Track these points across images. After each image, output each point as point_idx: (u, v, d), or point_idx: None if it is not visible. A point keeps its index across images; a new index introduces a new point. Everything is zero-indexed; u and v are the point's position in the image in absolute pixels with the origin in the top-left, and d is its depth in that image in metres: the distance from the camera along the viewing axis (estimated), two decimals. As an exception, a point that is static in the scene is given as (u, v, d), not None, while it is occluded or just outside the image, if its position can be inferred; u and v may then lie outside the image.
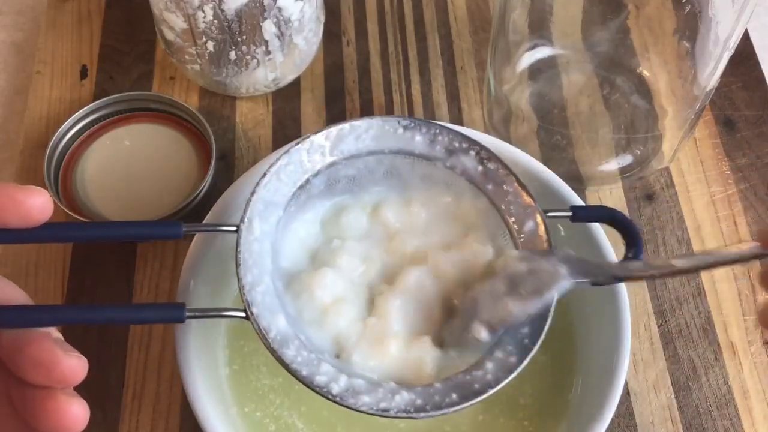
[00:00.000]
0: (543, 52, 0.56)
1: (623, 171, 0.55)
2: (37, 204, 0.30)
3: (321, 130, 0.39)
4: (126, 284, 0.51)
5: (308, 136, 0.39)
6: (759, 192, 0.55)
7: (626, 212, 0.54)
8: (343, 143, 0.39)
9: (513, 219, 0.39)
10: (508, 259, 0.38)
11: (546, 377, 0.44)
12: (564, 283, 0.35)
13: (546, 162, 0.47)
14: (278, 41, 0.54)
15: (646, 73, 0.56)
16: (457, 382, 0.35)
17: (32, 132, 0.57)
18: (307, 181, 0.39)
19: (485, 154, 0.40)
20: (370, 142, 0.40)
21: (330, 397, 0.34)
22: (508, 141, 0.52)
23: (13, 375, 0.30)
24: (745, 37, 0.61)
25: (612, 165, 0.55)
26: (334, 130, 0.39)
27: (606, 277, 0.36)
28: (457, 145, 0.40)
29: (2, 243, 0.32)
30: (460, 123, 0.58)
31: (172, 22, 0.53)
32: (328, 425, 0.43)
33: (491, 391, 0.35)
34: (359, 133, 0.40)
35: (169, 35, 0.54)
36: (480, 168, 0.40)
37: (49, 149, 0.53)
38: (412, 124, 0.40)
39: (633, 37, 0.54)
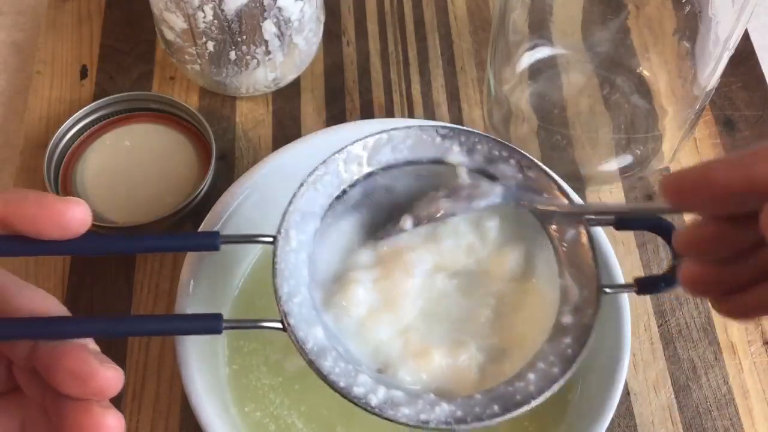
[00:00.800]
0: (543, 52, 0.56)
1: (623, 171, 0.55)
2: (77, 215, 0.30)
3: (359, 140, 0.39)
4: (126, 284, 0.51)
5: (345, 147, 0.39)
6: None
7: (626, 212, 0.54)
8: (380, 153, 0.39)
9: (554, 227, 0.38)
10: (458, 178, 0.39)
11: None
12: (494, 198, 0.37)
13: (546, 162, 0.47)
14: (278, 41, 0.54)
15: (646, 73, 0.56)
16: (498, 393, 0.35)
17: (32, 132, 0.57)
18: (344, 191, 0.39)
19: (526, 162, 0.39)
20: (407, 152, 0.39)
21: (369, 408, 0.33)
22: (508, 141, 0.51)
23: (49, 387, 0.30)
24: (745, 37, 0.61)
25: (612, 165, 0.55)
26: (371, 140, 0.39)
27: (530, 206, 0.38)
28: (497, 153, 0.39)
29: (40, 254, 0.32)
30: (460, 123, 0.58)
31: (172, 22, 0.53)
32: (327, 425, 0.43)
33: (534, 403, 0.34)
34: (396, 143, 0.39)
35: (169, 35, 0.54)
36: (521, 176, 0.39)
37: (49, 149, 0.53)
38: (451, 133, 0.39)
39: (633, 37, 0.54)
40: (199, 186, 0.52)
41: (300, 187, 0.38)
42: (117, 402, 0.47)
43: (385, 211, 0.42)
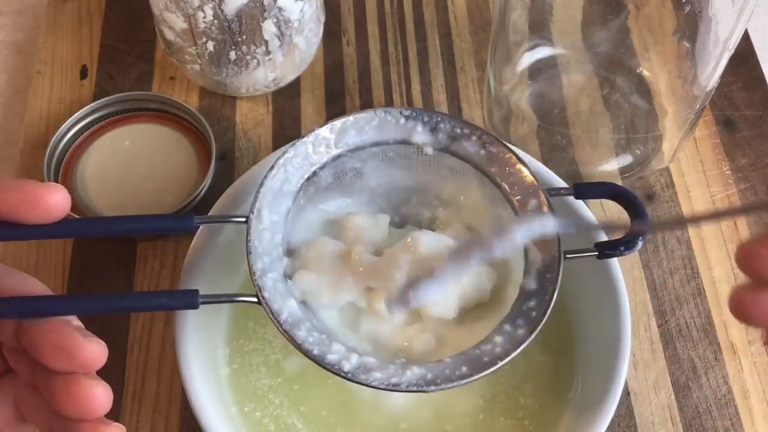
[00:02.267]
0: (543, 52, 0.56)
1: (623, 171, 0.55)
2: (56, 200, 0.31)
3: (325, 123, 0.40)
4: (126, 284, 0.51)
5: (313, 129, 0.40)
6: (759, 192, 0.55)
7: (626, 213, 0.54)
8: (347, 135, 0.40)
9: (517, 198, 0.40)
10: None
11: (546, 377, 0.44)
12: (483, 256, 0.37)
13: (546, 162, 0.47)
14: (278, 41, 0.54)
15: (646, 73, 0.56)
16: (466, 356, 0.36)
17: (32, 132, 0.57)
18: (314, 173, 0.40)
19: (487, 139, 0.41)
20: (373, 133, 0.41)
21: (342, 374, 0.35)
22: (508, 141, 0.52)
23: (38, 364, 0.31)
24: (745, 37, 0.61)
25: (612, 165, 0.55)
26: (338, 122, 0.40)
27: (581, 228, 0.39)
28: (459, 131, 0.41)
29: (20, 239, 0.33)
30: (460, 123, 0.58)
31: (172, 22, 0.53)
32: (327, 425, 0.43)
33: (501, 363, 0.35)
34: (362, 125, 0.41)
35: (169, 35, 0.54)
36: (483, 152, 0.41)
37: (49, 149, 0.53)
38: (414, 114, 0.41)
39: (633, 37, 0.54)
40: (199, 186, 0.52)
41: (271, 169, 0.39)
42: (117, 401, 0.47)
43: (359, 194, 0.43)
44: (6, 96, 0.62)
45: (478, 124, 0.57)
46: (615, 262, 0.43)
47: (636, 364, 0.49)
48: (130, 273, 0.51)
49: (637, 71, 0.56)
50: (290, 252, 0.40)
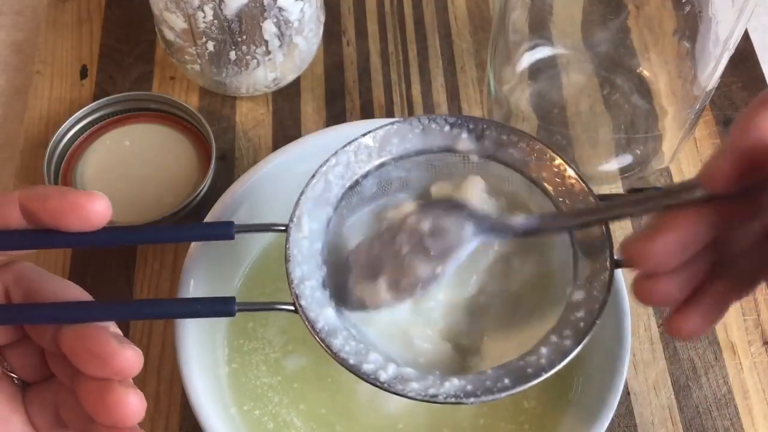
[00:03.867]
0: (543, 52, 0.56)
1: (623, 171, 0.55)
2: (97, 208, 0.31)
3: (369, 131, 0.40)
4: (126, 284, 0.51)
5: (356, 138, 0.39)
6: (759, 192, 0.55)
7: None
8: (390, 144, 0.40)
9: (565, 203, 0.38)
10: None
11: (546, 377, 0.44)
12: (471, 243, 0.36)
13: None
14: (278, 41, 0.54)
15: (646, 73, 0.56)
16: (509, 367, 0.35)
17: (32, 132, 0.57)
18: (357, 182, 0.39)
19: (535, 145, 0.39)
20: (417, 141, 0.40)
21: (378, 384, 0.34)
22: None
23: (77, 369, 0.31)
24: (745, 37, 0.61)
25: (612, 165, 0.55)
26: (381, 131, 0.40)
27: (513, 230, 0.37)
28: (505, 138, 0.40)
29: (60, 247, 0.33)
30: (460, 123, 0.58)
31: (172, 22, 0.53)
32: (326, 424, 0.43)
33: (545, 375, 0.34)
34: (405, 133, 0.40)
35: (169, 35, 0.54)
36: (531, 159, 0.39)
37: (49, 149, 0.53)
38: (459, 121, 0.40)
39: (633, 37, 0.54)
40: (199, 186, 0.52)
41: (312, 178, 0.39)
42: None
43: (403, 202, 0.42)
44: (6, 96, 0.62)
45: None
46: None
47: (636, 364, 0.49)
48: (130, 272, 0.51)
49: (637, 71, 0.56)
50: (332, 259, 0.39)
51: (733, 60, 0.49)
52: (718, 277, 0.32)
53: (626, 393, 0.48)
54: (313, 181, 0.38)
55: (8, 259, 0.33)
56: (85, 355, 0.31)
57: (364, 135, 0.39)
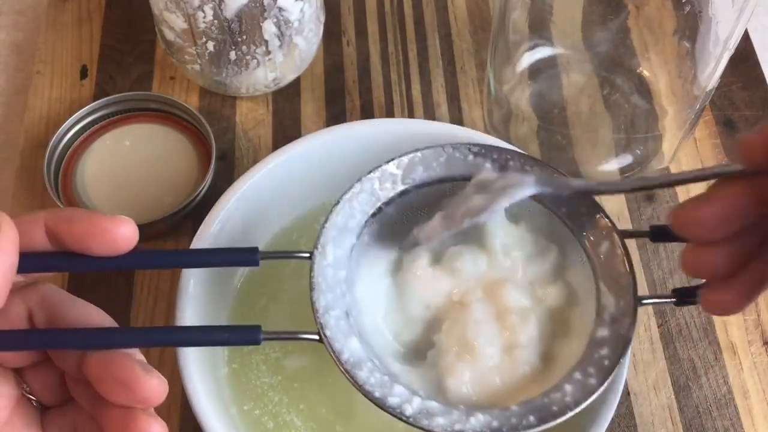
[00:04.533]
0: (543, 52, 0.56)
1: (623, 171, 0.55)
2: (123, 233, 0.31)
3: (392, 159, 0.40)
4: (126, 284, 0.51)
5: (380, 165, 0.39)
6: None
7: (626, 212, 0.54)
8: (414, 172, 0.40)
9: (589, 239, 0.38)
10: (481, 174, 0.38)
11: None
12: (528, 188, 0.36)
13: (546, 162, 0.47)
14: (278, 41, 0.54)
15: (646, 73, 0.56)
16: (535, 404, 0.35)
17: (32, 132, 0.57)
18: (380, 209, 0.39)
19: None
20: (440, 170, 0.40)
21: (403, 418, 0.34)
22: (508, 141, 0.52)
23: (98, 395, 0.31)
24: (745, 37, 0.61)
25: (612, 165, 0.55)
26: (405, 158, 0.40)
27: (568, 188, 0.37)
28: (529, 169, 0.39)
29: (86, 270, 0.33)
30: (460, 123, 0.58)
31: (172, 22, 0.53)
32: (326, 423, 0.43)
33: (570, 413, 0.34)
34: (430, 161, 0.40)
35: (169, 35, 0.54)
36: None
37: (49, 149, 0.53)
38: (483, 151, 0.40)
39: (633, 37, 0.54)
40: (199, 186, 0.52)
41: (336, 204, 0.38)
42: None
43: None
44: (6, 96, 0.62)
45: (479, 125, 0.58)
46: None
47: (636, 364, 0.49)
48: (130, 273, 0.51)
49: (637, 71, 0.56)
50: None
51: (733, 60, 0.49)
52: (763, 255, 0.32)
53: (626, 393, 0.48)
54: (337, 208, 0.38)
55: (31, 281, 0.33)
56: (110, 382, 0.30)
57: (387, 162, 0.39)
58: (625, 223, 0.54)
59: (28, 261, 0.31)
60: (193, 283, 0.42)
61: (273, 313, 0.46)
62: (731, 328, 0.50)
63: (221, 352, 0.45)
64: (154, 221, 0.50)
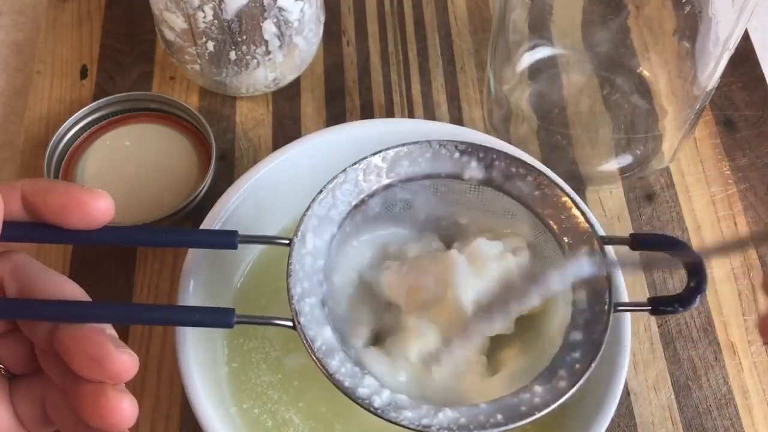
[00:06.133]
0: (543, 52, 0.56)
1: (623, 171, 0.55)
2: (100, 206, 0.31)
3: (378, 152, 0.39)
4: (126, 283, 0.51)
5: (365, 157, 0.39)
6: (759, 192, 0.55)
7: (626, 212, 0.54)
8: (399, 165, 0.40)
9: (568, 243, 0.38)
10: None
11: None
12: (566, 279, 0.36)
13: (546, 162, 0.47)
14: (278, 41, 0.54)
15: (646, 73, 0.56)
16: (503, 403, 0.35)
17: (32, 132, 0.57)
18: (363, 201, 0.39)
19: (543, 180, 0.39)
20: (426, 165, 0.40)
21: (372, 409, 0.34)
22: (508, 141, 0.52)
23: (68, 369, 0.31)
24: (745, 37, 0.61)
25: (612, 165, 0.55)
26: (391, 151, 0.40)
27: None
28: (514, 170, 0.40)
29: (59, 242, 0.33)
30: (460, 123, 0.58)
31: (172, 22, 0.53)
32: (325, 421, 0.43)
33: (537, 415, 0.34)
34: (415, 156, 0.40)
35: (169, 35, 0.54)
36: (537, 193, 0.39)
37: (49, 149, 0.53)
38: (470, 149, 0.40)
39: (633, 37, 0.54)
40: (199, 186, 0.52)
41: (319, 193, 0.38)
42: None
43: (405, 226, 0.42)
44: (6, 96, 0.62)
45: (479, 125, 0.58)
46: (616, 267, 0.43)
47: (636, 364, 0.49)
48: (130, 272, 0.51)
49: (637, 71, 0.56)
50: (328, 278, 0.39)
51: (733, 60, 0.49)
52: None
53: (626, 393, 0.48)
54: (320, 197, 0.38)
55: (4, 249, 0.32)
56: (81, 357, 0.30)
57: (374, 154, 0.39)
58: (625, 223, 0.54)
59: (5, 230, 0.31)
60: (193, 283, 0.42)
61: (273, 313, 0.46)
62: (731, 328, 0.50)
63: (221, 351, 0.45)
64: (154, 221, 0.50)
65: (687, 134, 0.54)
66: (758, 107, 0.59)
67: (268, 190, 0.46)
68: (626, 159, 0.55)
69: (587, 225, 0.38)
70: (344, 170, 0.39)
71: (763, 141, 0.57)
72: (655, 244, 0.39)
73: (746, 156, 0.57)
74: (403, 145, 0.40)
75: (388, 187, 0.40)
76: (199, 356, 0.41)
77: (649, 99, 0.56)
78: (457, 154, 0.40)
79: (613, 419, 0.39)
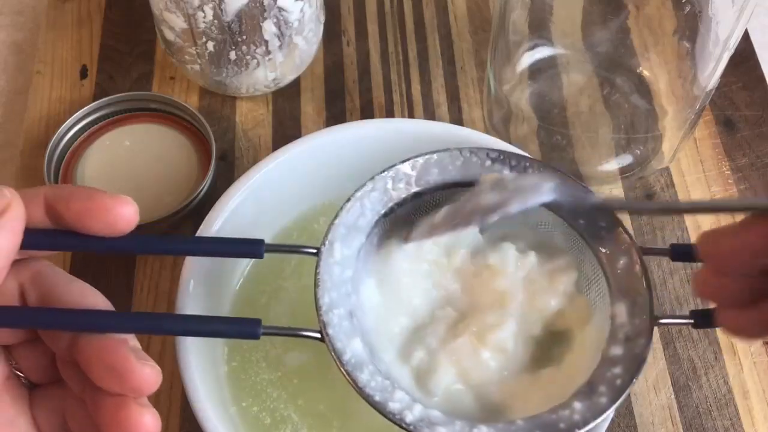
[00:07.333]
0: (543, 52, 0.56)
1: (623, 171, 0.55)
2: (124, 213, 0.30)
3: (407, 159, 0.39)
4: (126, 284, 0.51)
5: (394, 165, 0.38)
6: (759, 192, 0.55)
7: (626, 212, 0.54)
8: (429, 174, 0.39)
9: (606, 254, 0.37)
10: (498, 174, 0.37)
11: None
12: (546, 195, 0.35)
13: (546, 162, 0.47)
14: (278, 41, 0.54)
15: (646, 73, 0.56)
16: (541, 420, 0.34)
17: (32, 132, 0.57)
18: (391, 209, 0.38)
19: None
20: (456, 174, 0.39)
21: (404, 425, 0.33)
22: (508, 141, 0.52)
23: (89, 380, 0.30)
24: (745, 37, 0.61)
25: (612, 165, 0.55)
26: (420, 159, 0.39)
27: (587, 202, 0.36)
28: (549, 176, 0.38)
29: (82, 250, 0.32)
30: (460, 123, 0.58)
31: (172, 22, 0.53)
32: (323, 419, 0.43)
33: None
34: (445, 164, 0.39)
35: (169, 35, 0.54)
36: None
37: (49, 149, 0.53)
38: (501, 157, 0.39)
39: (633, 37, 0.54)
40: (199, 186, 0.52)
41: (347, 202, 0.37)
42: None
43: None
44: (6, 96, 0.62)
45: (479, 125, 0.58)
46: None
47: (636, 364, 0.49)
48: (130, 273, 0.51)
49: (637, 71, 0.56)
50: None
51: (733, 60, 0.49)
52: None
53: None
54: (348, 205, 0.37)
55: (26, 257, 0.32)
56: (102, 369, 0.29)
57: (402, 162, 0.38)
58: (625, 222, 0.53)
59: (27, 238, 0.30)
60: (194, 283, 0.42)
61: (274, 312, 0.46)
62: (731, 328, 0.50)
63: (221, 350, 0.45)
64: (154, 221, 0.50)
65: (687, 134, 0.54)
66: (758, 107, 0.59)
67: (268, 190, 0.46)
68: (626, 159, 0.55)
69: (626, 235, 0.37)
70: (372, 178, 0.38)
71: (763, 141, 0.57)
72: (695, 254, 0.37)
73: (746, 156, 0.57)
74: (434, 152, 0.39)
75: (417, 195, 0.39)
76: (199, 356, 0.41)
77: (649, 99, 0.56)
78: (488, 162, 0.39)
79: (613, 419, 0.39)
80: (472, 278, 0.39)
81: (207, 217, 0.44)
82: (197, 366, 0.40)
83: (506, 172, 0.39)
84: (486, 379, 0.37)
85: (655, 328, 0.50)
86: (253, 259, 0.47)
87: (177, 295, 0.42)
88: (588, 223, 0.38)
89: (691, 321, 0.35)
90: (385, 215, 0.38)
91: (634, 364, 0.34)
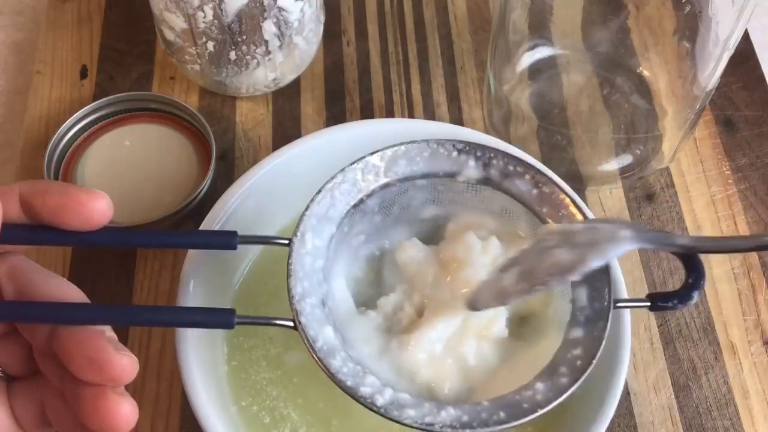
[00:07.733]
0: (543, 52, 0.56)
1: (623, 171, 0.55)
2: (98, 207, 0.31)
3: (376, 151, 0.39)
4: (126, 284, 0.51)
5: (363, 157, 0.39)
6: (759, 192, 0.55)
7: (626, 212, 0.54)
8: (397, 165, 0.40)
9: None
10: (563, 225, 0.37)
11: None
12: (626, 244, 0.35)
13: (546, 162, 0.47)
14: (278, 41, 0.54)
15: (646, 73, 0.56)
16: (506, 401, 0.35)
17: (32, 132, 0.57)
18: (361, 200, 0.39)
19: (541, 178, 0.39)
20: (424, 165, 0.40)
21: (374, 408, 0.34)
22: (508, 141, 0.52)
23: (67, 371, 0.30)
24: (745, 37, 0.61)
25: (612, 165, 0.55)
26: (389, 151, 0.40)
27: (674, 246, 0.36)
28: (512, 168, 0.40)
29: (58, 245, 0.33)
30: (460, 123, 0.58)
31: (172, 22, 0.53)
32: (322, 418, 0.43)
33: (540, 412, 0.34)
34: (413, 155, 0.40)
35: (169, 35, 0.54)
36: (535, 192, 0.39)
37: (49, 149, 0.53)
38: (467, 148, 0.40)
39: (633, 37, 0.54)
40: (199, 186, 0.52)
41: (317, 193, 0.38)
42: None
43: (403, 225, 0.43)
44: (6, 96, 0.62)
45: (479, 125, 0.58)
46: (615, 262, 0.43)
47: (636, 364, 0.49)
48: (130, 272, 0.51)
49: (637, 71, 0.56)
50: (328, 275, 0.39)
51: (733, 60, 0.49)
52: None
53: (626, 393, 0.48)
54: (319, 197, 0.38)
55: (2, 251, 0.32)
56: (80, 359, 0.30)
57: (372, 153, 0.39)
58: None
59: (3, 233, 0.30)
60: (194, 283, 0.42)
61: (274, 311, 0.46)
62: (731, 328, 0.50)
63: (221, 349, 0.45)
64: (154, 221, 0.50)
65: (687, 134, 0.54)
66: (758, 107, 0.59)
67: (268, 190, 0.46)
68: (626, 159, 0.55)
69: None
70: (342, 170, 0.39)
71: (763, 141, 0.57)
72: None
73: (746, 156, 0.57)
74: (401, 144, 0.40)
75: (386, 186, 0.40)
76: (199, 355, 0.41)
77: (649, 99, 0.56)
78: (455, 153, 0.40)
79: (613, 419, 0.39)
80: (440, 270, 0.40)
81: (207, 217, 0.44)
82: (197, 365, 0.40)
83: (472, 163, 0.40)
84: (457, 364, 0.38)
85: (656, 329, 0.50)
86: (253, 260, 0.48)
87: (177, 295, 0.42)
88: (550, 212, 0.39)
89: (648, 304, 0.37)
90: (355, 206, 0.39)
91: (595, 345, 0.36)
